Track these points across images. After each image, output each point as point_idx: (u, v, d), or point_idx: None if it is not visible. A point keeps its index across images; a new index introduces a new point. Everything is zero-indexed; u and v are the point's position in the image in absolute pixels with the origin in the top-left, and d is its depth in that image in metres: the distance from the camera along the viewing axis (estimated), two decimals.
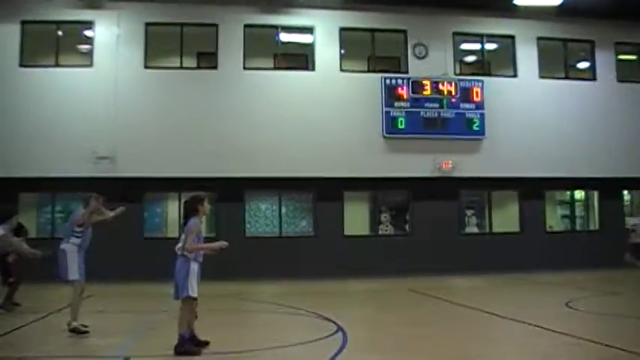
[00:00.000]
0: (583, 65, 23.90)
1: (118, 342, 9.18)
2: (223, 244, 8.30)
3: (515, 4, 20.82)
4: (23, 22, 20.11)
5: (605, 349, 8.22)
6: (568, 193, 23.48)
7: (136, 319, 11.57)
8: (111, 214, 10.76)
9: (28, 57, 20.20)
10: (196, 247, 8.21)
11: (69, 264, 9.91)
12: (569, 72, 23.31)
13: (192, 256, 8.19)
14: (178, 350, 8.00)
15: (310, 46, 21.60)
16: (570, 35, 22.93)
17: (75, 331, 9.62)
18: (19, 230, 12.93)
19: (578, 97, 22.58)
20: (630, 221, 18.50)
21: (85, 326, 9.77)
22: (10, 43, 19.92)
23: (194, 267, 8.22)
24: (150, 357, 8.25)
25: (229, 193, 20.14)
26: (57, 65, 20.33)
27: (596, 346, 8.42)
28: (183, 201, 8.81)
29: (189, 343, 8.10)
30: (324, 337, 9.32)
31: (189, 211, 8.48)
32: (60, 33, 20.56)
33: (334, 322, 10.39)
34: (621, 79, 23.16)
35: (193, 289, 8.16)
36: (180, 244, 8.30)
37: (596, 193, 23.08)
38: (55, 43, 20.51)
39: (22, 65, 20.01)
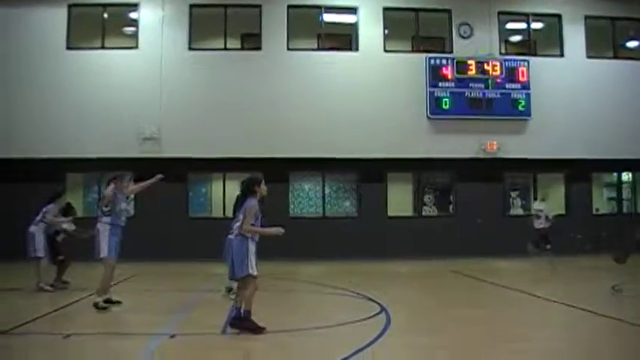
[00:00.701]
0: (632, 44, 23.41)
1: (163, 320, 9.32)
2: (280, 230, 8.34)
3: None
4: (70, 6, 20.39)
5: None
6: (615, 175, 23.09)
7: (181, 298, 11.72)
8: (143, 184, 10.98)
9: (75, 40, 20.48)
10: (254, 230, 8.29)
11: (100, 242, 10.17)
12: (617, 51, 22.83)
13: (249, 235, 8.24)
14: (244, 326, 8.14)
15: (354, 26, 21.50)
16: (619, 13, 22.43)
17: (96, 306, 9.90)
18: (68, 210, 13.18)
19: (626, 78, 22.09)
20: (534, 206, 17.94)
21: (112, 302, 10.18)
22: (57, 27, 20.22)
23: (252, 246, 8.30)
24: (194, 334, 8.36)
25: (273, 173, 20.07)
26: (103, 47, 20.60)
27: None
28: (240, 181, 8.82)
29: (253, 321, 8.16)
30: (368, 317, 9.35)
31: (248, 191, 8.50)
32: (106, 15, 20.78)
33: (378, 303, 10.41)
34: None
35: (253, 268, 8.24)
36: (237, 224, 8.30)
37: None
38: (101, 25, 20.76)
39: (68, 48, 20.31)
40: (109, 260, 10.16)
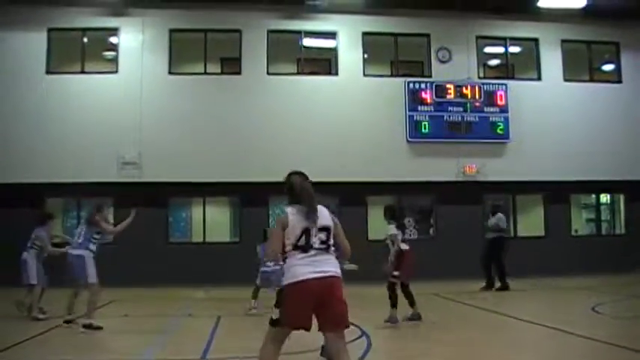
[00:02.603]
0: (608, 67, 23.72)
1: (143, 345, 9.25)
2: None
3: (538, 7, 20.72)
4: (50, 30, 20.36)
5: (633, 354, 8.15)
6: (593, 196, 23.29)
7: (161, 323, 11.64)
8: (123, 224, 11.13)
9: (55, 64, 20.45)
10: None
11: (87, 268, 10.42)
12: (594, 74, 23.15)
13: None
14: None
15: (333, 51, 21.63)
16: (595, 37, 22.75)
17: (90, 327, 10.10)
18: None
19: (603, 100, 22.39)
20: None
21: (93, 327, 10.25)
22: (37, 51, 20.16)
23: None
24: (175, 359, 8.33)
25: (253, 197, 20.21)
26: (83, 72, 20.56)
27: (622, 351, 8.36)
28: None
29: None
30: (348, 341, 9.32)
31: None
32: (85, 40, 20.78)
33: (358, 327, 10.38)
34: None
35: None
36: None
37: (621, 197, 22.85)
38: (80, 49, 20.74)
39: (48, 72, 20.25)
40: (96, 285, 10.41)
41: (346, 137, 20.70)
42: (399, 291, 11.29)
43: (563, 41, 22.50)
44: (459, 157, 21.13)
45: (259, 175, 19.96)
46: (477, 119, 21.27)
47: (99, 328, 10.28)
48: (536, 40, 22.45)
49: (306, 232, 5.66)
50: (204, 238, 20.14)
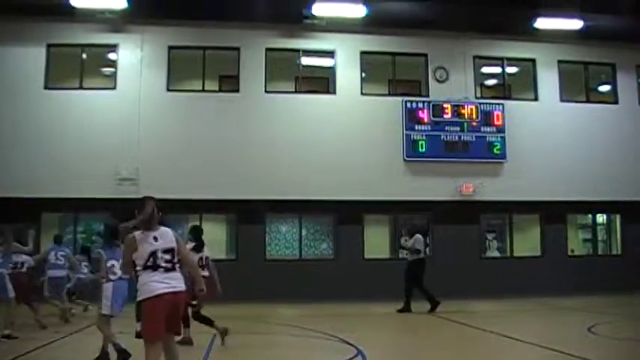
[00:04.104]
0: (604, 88, 23.87)
1: None
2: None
3: (535, 28, 20.81)
4: (49, 45, 20.42)
5: None
6: (590, 216, 23.32)
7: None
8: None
9: (53, 79, 20.48)
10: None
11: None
12: (590, 95, 23.26)
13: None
14: None
15: (331, 70, 21.72)
16: (591, 58, 22.90)
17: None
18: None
19: (599, 121, 22.50)
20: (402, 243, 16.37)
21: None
22: (35, 66, 20.20)
23: None
24: None
25: (250, 215, 20.21)
26: (81, 87, 20.60)
27: None
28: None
29: None
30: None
31: None
32: (84, 56, 20.84)
33: (354, 346, 10.37)
34: None
35: None
36: None
37: (618, 217, 22.89)
38: (79, 65, 20.78)
39: (46, 87, 20.27)
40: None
41: (343, 155, 20.74)
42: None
43: (560, 62, 22.63)
44: (456, 177, 21.17)
45: (256, 193, 20.03)
46: (474, 139, 21.34)
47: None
48: (533, 61, 22.58)
49: (153, 254, 6.43)
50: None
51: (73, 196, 19.24)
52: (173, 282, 6.41)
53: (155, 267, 6.38)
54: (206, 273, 10.70)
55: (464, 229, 21.14)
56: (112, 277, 9.09)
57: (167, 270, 6.42)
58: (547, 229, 21.93)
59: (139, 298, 6.36)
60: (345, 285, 19.74)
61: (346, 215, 20.64)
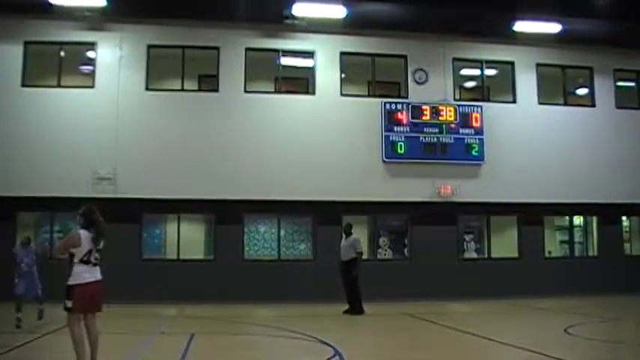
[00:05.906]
0: (582, 91, 24.04)
1: None
2: None
3: (514, 31, 20.94)
4: (26, 43, 20.21)
5: None
6: (567, 218, 23.49)
7: (133, 341, 11.53)
8: None
9: (31, 77, 20.28)
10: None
11: None
12: (568, 98, 23.43)
13: None
14: None
15: (311, 70, 21.70)
16: (569, 62, 23.06)
17: None
18: None
19: (577, 124, 22.69)
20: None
21: None
22: (12, 63, 20.00)
23: None
24: None
25: (228, 215, 20.14)
26: (59, 86, 20.40)
27: None
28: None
29: None
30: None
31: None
32: (62, 54, 20.66)
33: (332, 347, 10.37)
34: (620, 106, 23.25)
35: None
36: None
37: (595, 219, 23.08)
38: (57, 63, 20.58)
39: (24, 85, 20.07)
40: None
41: (322, 156, 20.73)
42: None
43: (539, 65, 22.78)
44: (435, 178, 21.23)
45: (234, 193, 19.97)
46: (453, 140, 21.41)
47: None
48: (511, 64, 22.70)
49: (89, 252, 8.17)
50: (178, 254, 19.97)
51: (50, 195, 19.06)
52: (97, 274, 8.26)
53: (89, 262, 8.12)
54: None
55: (442, 231, 21.20)
56: None
57: (94, 265, 8.23)
58: (524, 230, 22.05)
59: (70, 283, 7.99)
60: (324, 285, 19.67)
61: (325, 216, 20.61)
